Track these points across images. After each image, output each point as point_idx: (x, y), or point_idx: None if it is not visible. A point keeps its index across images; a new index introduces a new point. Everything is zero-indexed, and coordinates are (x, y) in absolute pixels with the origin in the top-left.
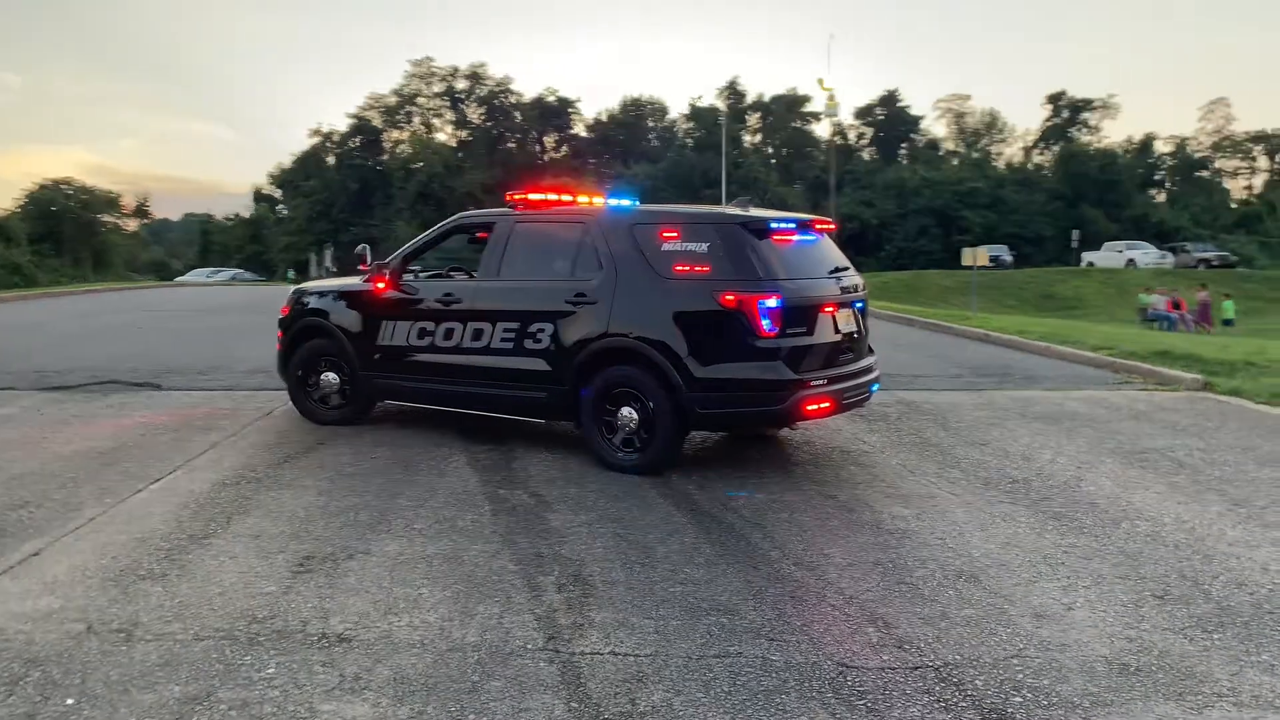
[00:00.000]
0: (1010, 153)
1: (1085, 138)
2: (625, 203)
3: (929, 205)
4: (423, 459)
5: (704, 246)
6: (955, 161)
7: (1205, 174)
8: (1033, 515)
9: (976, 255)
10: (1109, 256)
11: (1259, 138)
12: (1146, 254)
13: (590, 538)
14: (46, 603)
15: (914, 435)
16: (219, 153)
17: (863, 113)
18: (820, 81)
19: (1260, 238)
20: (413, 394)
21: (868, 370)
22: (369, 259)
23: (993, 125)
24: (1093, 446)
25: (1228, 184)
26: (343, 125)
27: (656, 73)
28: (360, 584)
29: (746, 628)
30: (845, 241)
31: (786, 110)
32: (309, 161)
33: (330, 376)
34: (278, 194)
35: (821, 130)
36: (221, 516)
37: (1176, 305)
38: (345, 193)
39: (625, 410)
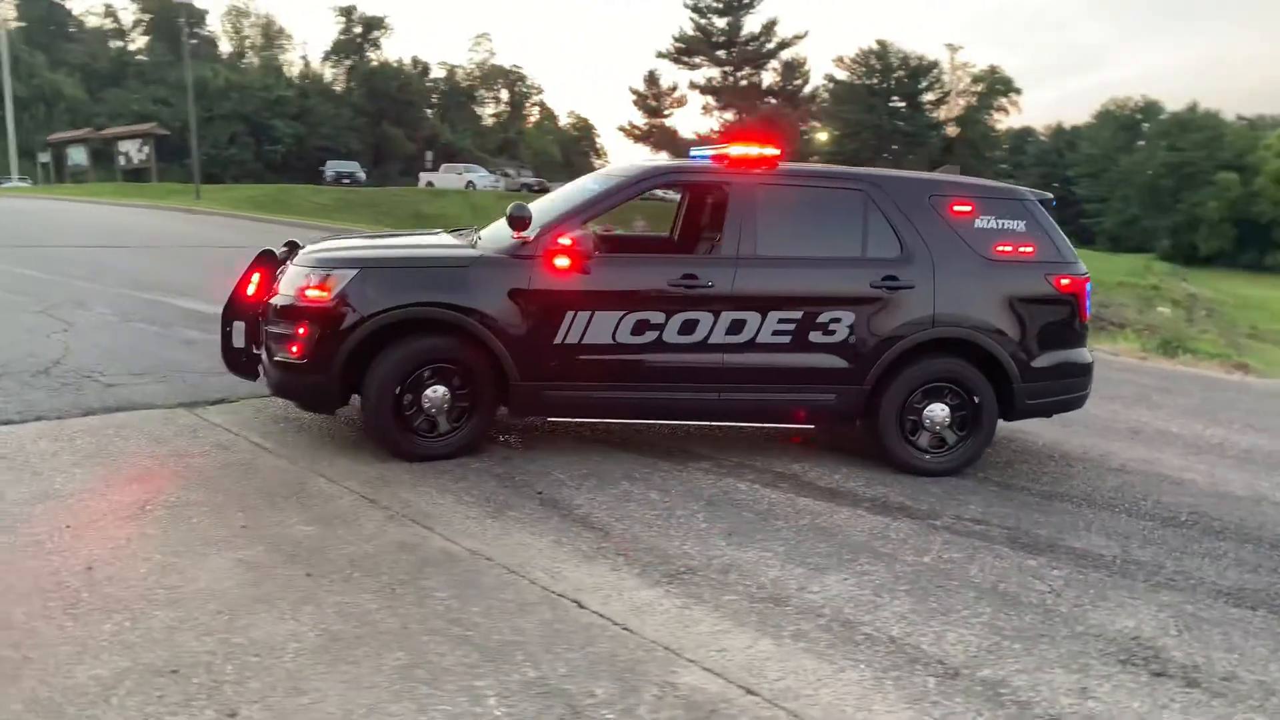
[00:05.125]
0: (289, 60)
1: (373, 55)
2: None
3: (237, 111)
4: (710, 491)
5: (1020, 225)
6: (245, 64)
7: (466, 101)
8: None
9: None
10: (449, 178)
11: (501, 73)
12: (484, 177)
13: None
14: None
15: None
16: None
17: None
18: None
19: (519, 163)
20: (609, 408)
21: None
22: (531, 219)
23: (270, 31)
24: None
25: (479, 110)
26: None
27: None
28: None
29: None
30: (157, 147)
31: None
32: None
33: (439, 391)
34: None
35: (84, 4)
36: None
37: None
38: None
39: (936, 407)
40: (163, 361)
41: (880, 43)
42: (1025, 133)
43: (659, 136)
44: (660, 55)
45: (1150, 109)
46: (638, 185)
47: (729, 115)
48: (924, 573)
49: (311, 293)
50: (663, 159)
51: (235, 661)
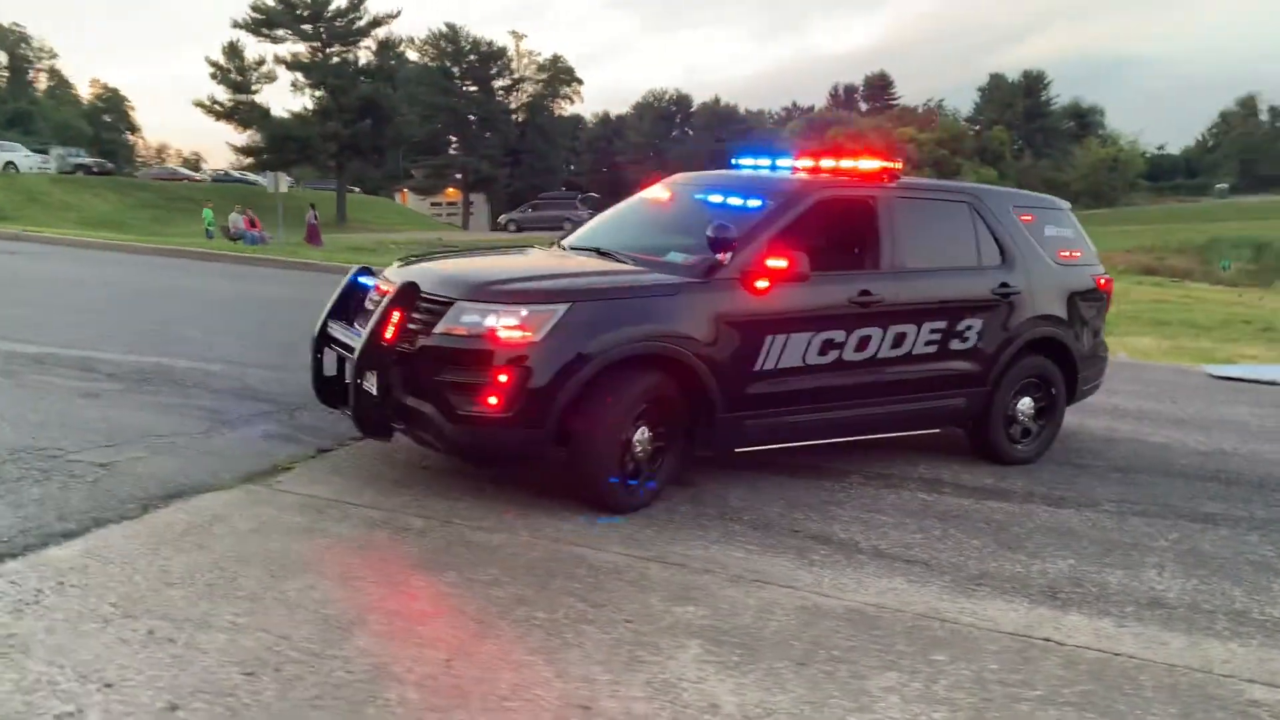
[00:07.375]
0: None
1: None
2: (763, 162)
3: None
4: (911, 506)
5: (1069, 232)
6: None
7: None
8: None
9: None
10: None
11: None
12: (29, 157)
13: None
14: None
15: None
16: None
17: None
18: None
19: (39, 139)
20: (799, 432)
21: None
22: (734, 240)
23: None
24: None
25: None
26: None
27: None
28: None
29: None
30: None
31: None
32: None
33: (645, 433)
34: None
35: None
36: None
37: (253, 223)
38: None
39: (1025, 400)
40: (115, 426)
41: (450, 26)
42: (575, 120)
43: (246, 113)
44: (237, 25)
45: (683, 101)
46: (805, 201)
47: (321, 93)
48: (1184, 556)
49: (508, 333)
50: (803, 172)
51: None
